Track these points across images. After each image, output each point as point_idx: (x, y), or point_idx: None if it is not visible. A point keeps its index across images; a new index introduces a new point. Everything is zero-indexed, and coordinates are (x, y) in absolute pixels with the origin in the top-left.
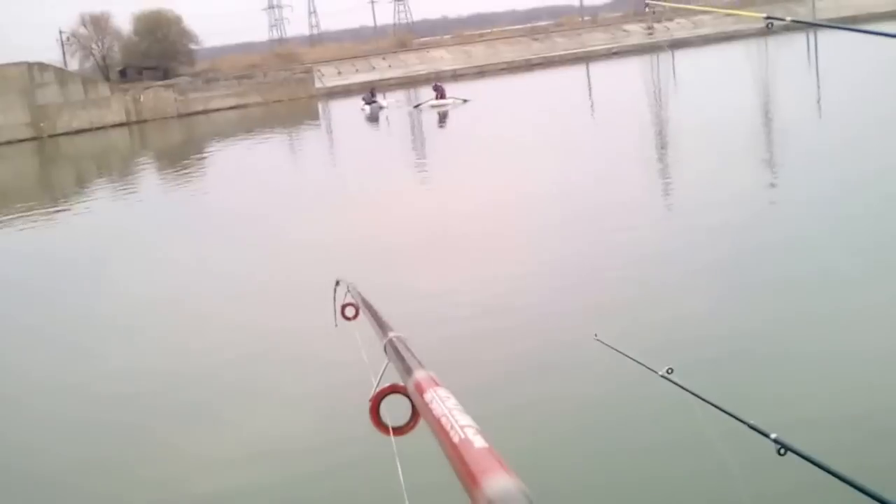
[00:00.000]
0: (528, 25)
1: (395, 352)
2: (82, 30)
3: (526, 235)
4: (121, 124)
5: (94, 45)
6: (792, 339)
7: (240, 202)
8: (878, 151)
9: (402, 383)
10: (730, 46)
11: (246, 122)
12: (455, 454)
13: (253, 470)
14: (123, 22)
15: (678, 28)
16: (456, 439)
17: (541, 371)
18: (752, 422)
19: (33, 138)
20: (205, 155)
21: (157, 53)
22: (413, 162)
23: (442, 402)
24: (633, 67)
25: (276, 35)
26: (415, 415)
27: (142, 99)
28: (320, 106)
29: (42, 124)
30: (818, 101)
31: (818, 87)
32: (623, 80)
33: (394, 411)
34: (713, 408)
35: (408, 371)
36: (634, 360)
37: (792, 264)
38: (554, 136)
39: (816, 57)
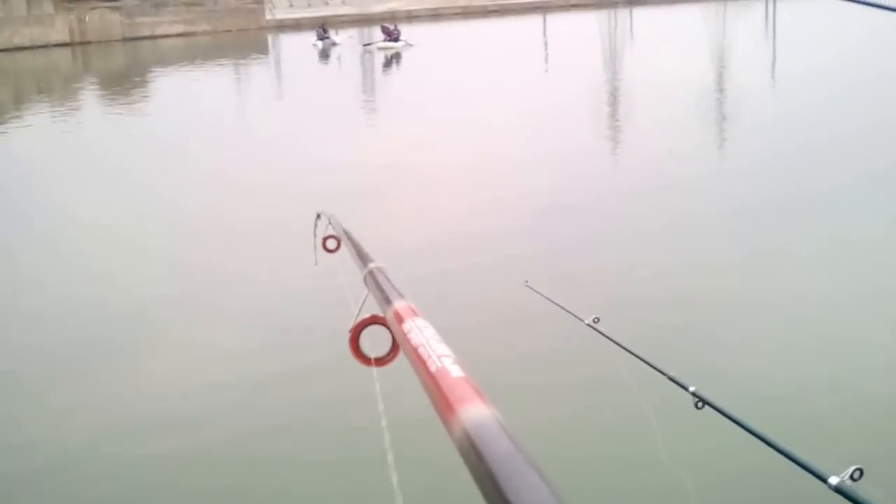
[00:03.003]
0: None
1: (374, 283)
2: None
3: (466, 179)
4: (64, 44)
5: None
6: (722, 301)
7: (186, 134)
8: (827, 115)
9: (382, 314)
10: (689, 7)
11: (193, 51)
12: (432, 383)
13: (232, 399)
14: None
15: None
16: (433, 368)
17: (470, 312)
18: (671, 374)
19: None
20: (151, 81)
21: None
22: (364, 102)
23: (420, 331)
24: (590, 21)
25: None
26: (395, 346)
27: (87, 19)
28: (270, 38)
29: None
30: (772, 64)
31: (773, 50)
32: (579, 33)
33: (376, 343)
34: (635, 358)
35: (387, 301)
36: (562, 307)
37: (729, 228)
38: (504, 85)
39: (774, 22)
